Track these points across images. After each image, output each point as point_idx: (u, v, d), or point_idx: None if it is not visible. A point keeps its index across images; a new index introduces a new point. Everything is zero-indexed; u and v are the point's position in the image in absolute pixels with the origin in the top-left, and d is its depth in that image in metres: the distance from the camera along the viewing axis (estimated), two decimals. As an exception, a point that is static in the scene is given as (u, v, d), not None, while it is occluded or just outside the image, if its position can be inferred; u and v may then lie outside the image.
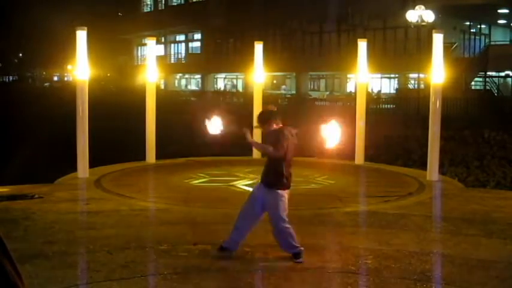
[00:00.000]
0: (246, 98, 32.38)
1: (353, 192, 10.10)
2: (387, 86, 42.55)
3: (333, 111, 30.57)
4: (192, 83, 59.27)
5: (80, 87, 10.74)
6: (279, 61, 38.16)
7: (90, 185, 10.02)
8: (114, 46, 58.00)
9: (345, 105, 33.65)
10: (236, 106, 33.30)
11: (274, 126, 5.95)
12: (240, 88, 51.73)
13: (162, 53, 54.92)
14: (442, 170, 11.79)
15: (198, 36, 56.56)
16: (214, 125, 6.51)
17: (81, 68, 10.75)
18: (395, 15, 35.22)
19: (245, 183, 10.54)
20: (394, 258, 6.02)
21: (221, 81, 55.94)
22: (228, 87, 54.64)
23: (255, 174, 11.43)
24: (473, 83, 37.62)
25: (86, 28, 10.77)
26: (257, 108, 13.61)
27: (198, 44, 56.81)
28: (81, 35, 10.70)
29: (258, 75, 13.95)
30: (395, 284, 5.31)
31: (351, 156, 13.13)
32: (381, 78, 42.14)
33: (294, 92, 45.13)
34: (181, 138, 17.19)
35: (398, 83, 41.48)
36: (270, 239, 6.44)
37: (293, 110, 28.33)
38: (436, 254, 6.40)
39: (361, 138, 12.96)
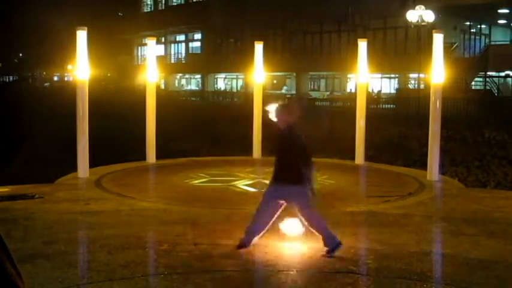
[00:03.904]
0: (247, 98, 32.39)
1: (353, 192, 10.10)
2: (387, 86, 42.58)
3: (333, 111, 30.59)
4: (192, 83, 59.31)
5: (80, 87, 10.74)
6: (279, 61, 38.18)
7: (90, 185, 10.02)
8: (114, 46, 58.02)
9: (345, 105, 33.69)
10: (236, 106, 33.32)
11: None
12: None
13: (162, 53, 54.96)
14: (442, 170, 11.78)
15: (198, 36, 56.61)
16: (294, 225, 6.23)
17: (81, 68, 10.75)
18: (395, 15, 35.26)
19: (245, 183, 10.54)
20: (394, 258, 6.02)
21: (221, 81, 55.97)
22: (228, 86, 54.57)
23: (255, 174, 11.43)
24: (473, 83, 37.64)
25: (86, 28, 10.77)
26: (258, 109, 13.59)
27: (198, 44, 56.86)
28: (81, 35, 10.69)
29: (258, 75, 13.95)
30: (395, 284, 5.31)
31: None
32: (381, 78, 42.16)
33: (294, 92, 45.15)
34: (181, 138, 17.19)
35: (398, 83, 41.50)
36: (270, 239, 6.44)
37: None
38: (436, 254, 6.40)
39: (361, 138, 12.96)
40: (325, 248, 6.05)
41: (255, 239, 6.19)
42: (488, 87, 36.40)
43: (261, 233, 6.18)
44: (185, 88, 58.33)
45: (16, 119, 20.30)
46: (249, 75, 31.52)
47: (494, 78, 37.01)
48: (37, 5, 52.15)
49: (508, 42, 39.80)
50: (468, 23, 39.50)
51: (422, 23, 30.46)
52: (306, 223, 6.08)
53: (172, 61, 58.32)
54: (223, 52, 51.62)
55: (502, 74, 38.13)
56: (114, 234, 6.82)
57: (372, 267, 5.79)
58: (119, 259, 5.85)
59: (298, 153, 5.96)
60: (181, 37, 58.71)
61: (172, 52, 59.41)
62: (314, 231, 6.09)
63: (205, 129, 19.38)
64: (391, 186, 10.48)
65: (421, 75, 32.83)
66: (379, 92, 41.14)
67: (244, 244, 6.14)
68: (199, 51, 55.85)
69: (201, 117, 24.88)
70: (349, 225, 7.63)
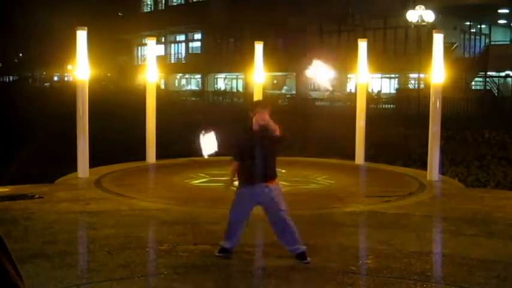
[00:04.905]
0: (246, 98, 32.37)
1: (353, 192, 10.10)
2: (387, 86, 42.56)
3: (333, 111, 30.60)
4: (192, 83, 59.32)
5: (80, 87, 10.74)
6: (280, 61, 38.14)
7: (90, 185, 10.02)
8: (114, 46, 57.97)
9: (345, 105, 33.70)
10: (236, 106, 33.31)
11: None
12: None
13: (162, 53, 54.94)
14: (442, 170, 11.79)
15: (198, 36, 56.60)
16: (209, 144, 6.11)
17: (81, 68, 10.75)
18: (395, 15, 35.24)
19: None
20: (394, 258, 6.02)
21: (221, 81, 55.98)
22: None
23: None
24: (473, 83, 37.64)
25: (86, 28, 10.77)
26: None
27: (198, 44, 56.85)
28: (81, 35, 10.70)
29: (258, 75, 13.95)
30: (395, 284, 5.31)
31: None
32: (381, 78, 42.14)
33: (294, 92, 45.14)
34: (181, 138, 17.19)
35: (398, 83, 41.49)
36: (270, 239, 6.44)
37: (293, 110, 28.36)
38: (436, 254, 6.40)
39: (361, 138, 12.96)
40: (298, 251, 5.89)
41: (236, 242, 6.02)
42: (488, 87, 36.39)
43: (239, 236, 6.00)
44: (185, 88, 58.34)
45: (16, 119, 20.29)
46: (249, 75, 31.51)
47: (494, 78, 36.99)
48: (37, 5, 52.14)
49: (508, 42, 39.78)
50: (468, 23, 39.50)
51: (422, 23, 30.44)
52: (282, 221, 5.86)
53: (172, 61, 58.29)
54: (223, 52, 51.61)
55: (502, 74, 38.12)
56: (114, 234, 6.82)
57: (372, 267, 5.79)
58: (118, 259, 5.85)
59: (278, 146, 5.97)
60: (181, 37, 58.68)
61: (172, 52, 59.39)
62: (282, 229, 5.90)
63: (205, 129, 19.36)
64: (391, 186, 10.48)
65: (421, 75, 32.80)
66: (379, 92, 41.12)
67: (227, 249, 5.97)
68: (199, 51, 55.84)
69: (201, 117, 24.87)
70: (349, 225, 7.63)
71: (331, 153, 15.04)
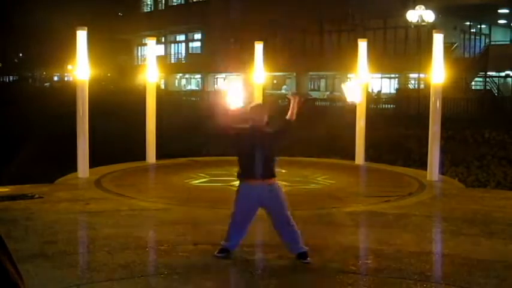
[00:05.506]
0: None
1: (353, 192, 10.10)
2: (387, 86, 42.57)
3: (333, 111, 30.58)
4: (192, 83, 59.32)
5: (80, 87, 10.74)
6: (279, 61, 38.16)
7: (90, 185, 10.02)
8: (114, 46, 57.97)
9: (345, 105, 33.70)
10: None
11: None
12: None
13: (162, 53, 54.94)
14: (442, 170, 11.79)
15: (198, 36, 56.60)
16: (353, 92, 6.16)
17: (81, 68, 10.75)
18: (395, 15, 35.25)
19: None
20: (394, 258, 6.02)
21: (221, 81, 55.97)
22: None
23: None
24: (473, 83, 37.66)
25: (86, 28, 10.77)
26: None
27: (198, 44, 56.85)
28: (81, 35, 10.70)
29: (258, 75, 13.95)
30: (395, 284, 5.31)
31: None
32: (381, 78, 42.15)
33: (293, 92, 45.13)
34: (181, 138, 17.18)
35: (398, 83, 41.50)
36: (270, 239, 6.44)
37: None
38: (436, 254, 6.40)
39: (361, 138, 12.96)
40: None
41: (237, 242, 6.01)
42: (488, 87, 36.40)
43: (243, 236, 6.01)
44: (185, 88, 58.35)
45: (16, 119, 20.29)
46: (249, 75, 31.45)
47: (494, 78, 37.01)
48: (37, 5, 52.14)
49: (508, 42, 39.80)
50: (468, 23, 39.51)
51: (422, 23, 30.45)
52: (284, 220, 5.83)
53: (172, 61, 58.30)
54: (223, 52, 51.61)
55: (502, 74, 38.13)
56: (114, 234, 6.82)
57: (371, 267, 5.79)
58: (118, 259, 5.85)
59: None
60: (181, 37, 58.69)
61: (172, 52, 59.39)
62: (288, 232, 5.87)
63: (205, 128, 19.36)
64: (391, 186, 10.48)
65: (421, 75, 32.80)
66: (379, 92, 41.13)
67: (227, 249, 5.97)
68: (199, 51, 55.84)
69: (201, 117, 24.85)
70: (349, 225, 7.63)
71: (331, 153, 15.03)
